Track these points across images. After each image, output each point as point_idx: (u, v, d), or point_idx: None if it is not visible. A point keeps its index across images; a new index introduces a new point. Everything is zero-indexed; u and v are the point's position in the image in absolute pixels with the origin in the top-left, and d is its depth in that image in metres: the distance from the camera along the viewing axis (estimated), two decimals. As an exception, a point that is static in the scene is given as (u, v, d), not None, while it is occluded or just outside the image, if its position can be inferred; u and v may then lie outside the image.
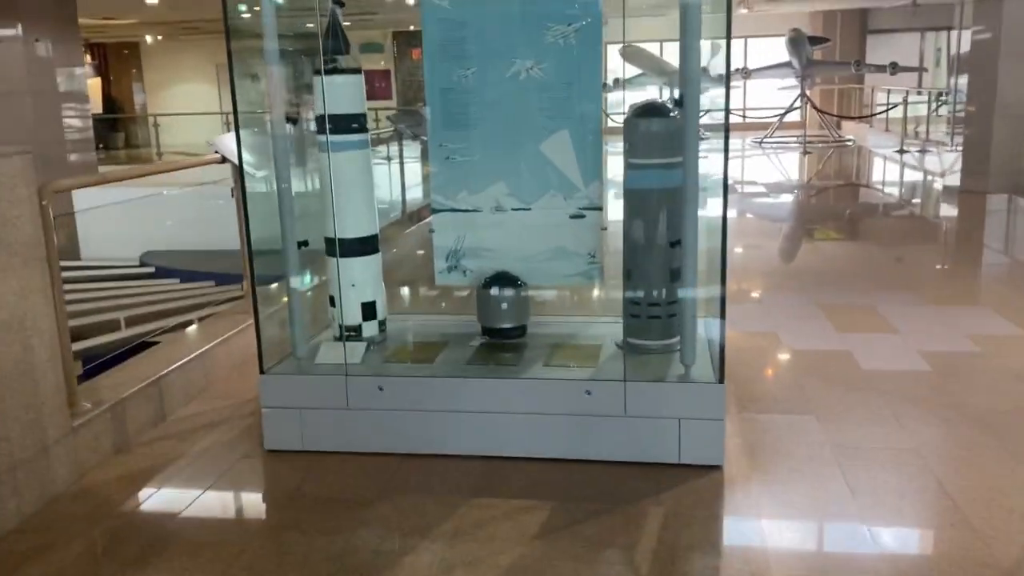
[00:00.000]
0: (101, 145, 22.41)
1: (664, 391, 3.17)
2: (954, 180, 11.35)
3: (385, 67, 23.80)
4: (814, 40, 18.62)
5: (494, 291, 3.63)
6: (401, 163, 7.45)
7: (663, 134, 3.30)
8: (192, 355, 4.11)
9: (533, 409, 3.23)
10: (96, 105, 23.52)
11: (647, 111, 3.34)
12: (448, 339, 3.75)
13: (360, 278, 3.62)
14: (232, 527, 2.96)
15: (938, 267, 7.09)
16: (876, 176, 14.26)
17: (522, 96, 3.52)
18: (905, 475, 3.06)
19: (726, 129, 3.04)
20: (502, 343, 3.66)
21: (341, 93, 3.46)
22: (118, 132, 23.07)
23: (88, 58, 24.06)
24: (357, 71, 3.50)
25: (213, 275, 9.38)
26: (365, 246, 3.63)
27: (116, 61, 24.24)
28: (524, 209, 3.63)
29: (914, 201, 11.22)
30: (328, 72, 3.42)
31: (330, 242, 3.57)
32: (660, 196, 3.36)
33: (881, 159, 15.43)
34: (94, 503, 3.04)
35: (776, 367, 4.25)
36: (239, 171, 4.74)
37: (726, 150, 3.05)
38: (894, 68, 17.31)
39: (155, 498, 3.09)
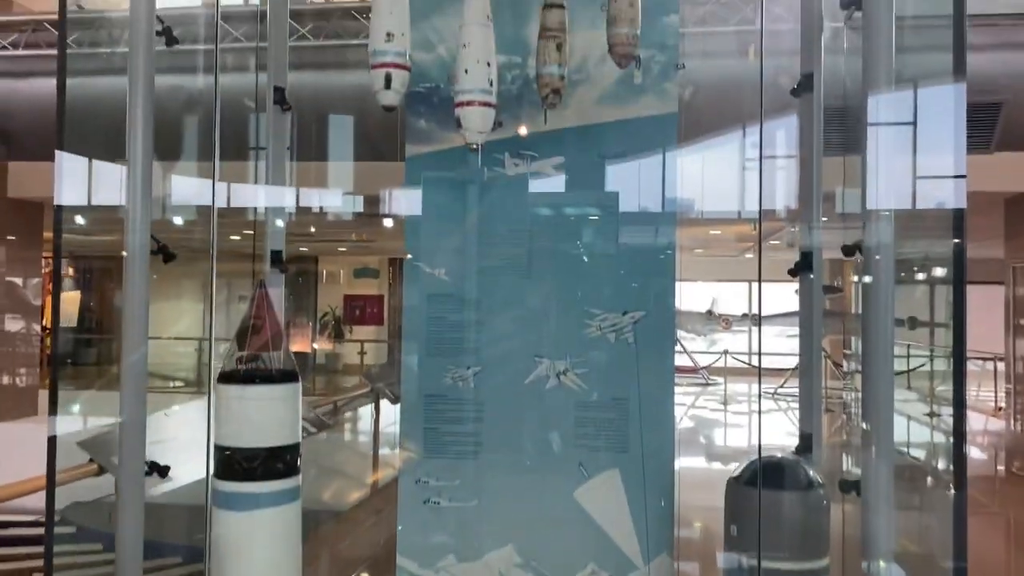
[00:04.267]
0: (70, 360, 21.17)
1: None
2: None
3: (379, 293, 23.47)
4: (828, 289, 18.02)
5: None
6: (376, 432, 6.08)
7: (810, 518, 1.94)
8: None
9: None
10: (71, 319, 22.55)
11: (777, 475, 1.97)
12: None
13: None
14: None
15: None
16: (914, 442, 12.77)
17: (549, 413, 2.36)
18: None
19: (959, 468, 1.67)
20: None
21: (259, 414, 2.09)
22: (91, 347, 21.97)
23: (70, 271, 23.38)
24: (292, 377, 2.14)
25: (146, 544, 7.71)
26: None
27: (100, 275, 23.63)
28: (547, 592, 2.34)
29: (987, 487, 9.69)
30: (241, 379, 2.08)
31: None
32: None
33: (905, 419, 14.10)
34: None
35: None
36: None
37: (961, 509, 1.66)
38: (912, 323, 16.49)
39: None
